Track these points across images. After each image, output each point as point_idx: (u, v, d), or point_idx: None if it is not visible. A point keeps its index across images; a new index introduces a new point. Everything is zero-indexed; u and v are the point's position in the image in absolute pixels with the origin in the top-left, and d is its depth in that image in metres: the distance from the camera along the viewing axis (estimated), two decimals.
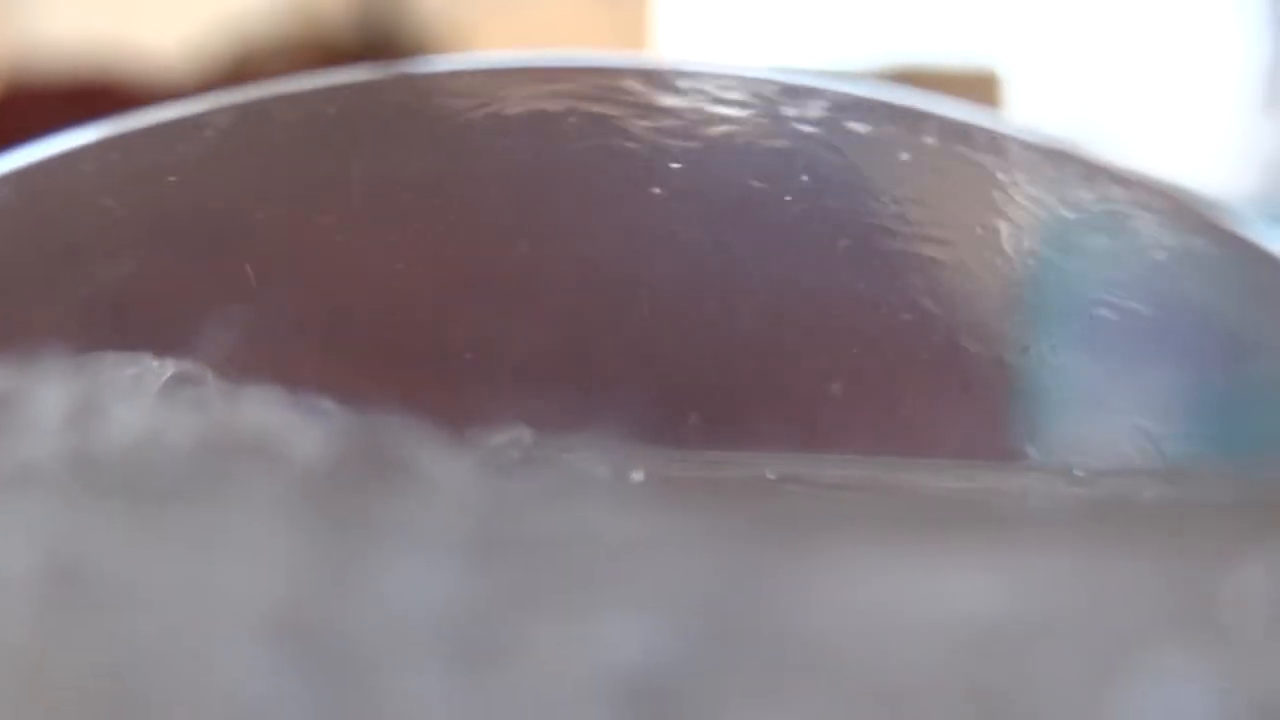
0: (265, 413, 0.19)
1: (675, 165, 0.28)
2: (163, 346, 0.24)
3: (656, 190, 0.28)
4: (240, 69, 1.55)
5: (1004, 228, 0.28)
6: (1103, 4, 1.93)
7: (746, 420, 0.28)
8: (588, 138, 0.28)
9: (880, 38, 1.95)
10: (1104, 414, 0.28)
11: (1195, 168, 1.68)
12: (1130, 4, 1.92)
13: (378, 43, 1.72)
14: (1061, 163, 0.29)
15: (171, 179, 0.28)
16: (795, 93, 0.29)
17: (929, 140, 0.29)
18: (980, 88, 1.74)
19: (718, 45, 2.01)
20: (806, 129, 0.28)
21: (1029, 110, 1.83)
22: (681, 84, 0.29)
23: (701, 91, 0.29)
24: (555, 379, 0.27)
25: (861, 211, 0.28)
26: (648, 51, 2.01)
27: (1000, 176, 0.29)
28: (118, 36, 1.66)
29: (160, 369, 0.23)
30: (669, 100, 0.29)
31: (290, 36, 1.68)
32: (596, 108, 0.28)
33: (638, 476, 0.24)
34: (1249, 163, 1.73)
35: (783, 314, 0.28)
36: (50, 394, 0.19)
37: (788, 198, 0.29)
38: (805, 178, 0.29)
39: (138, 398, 0.20)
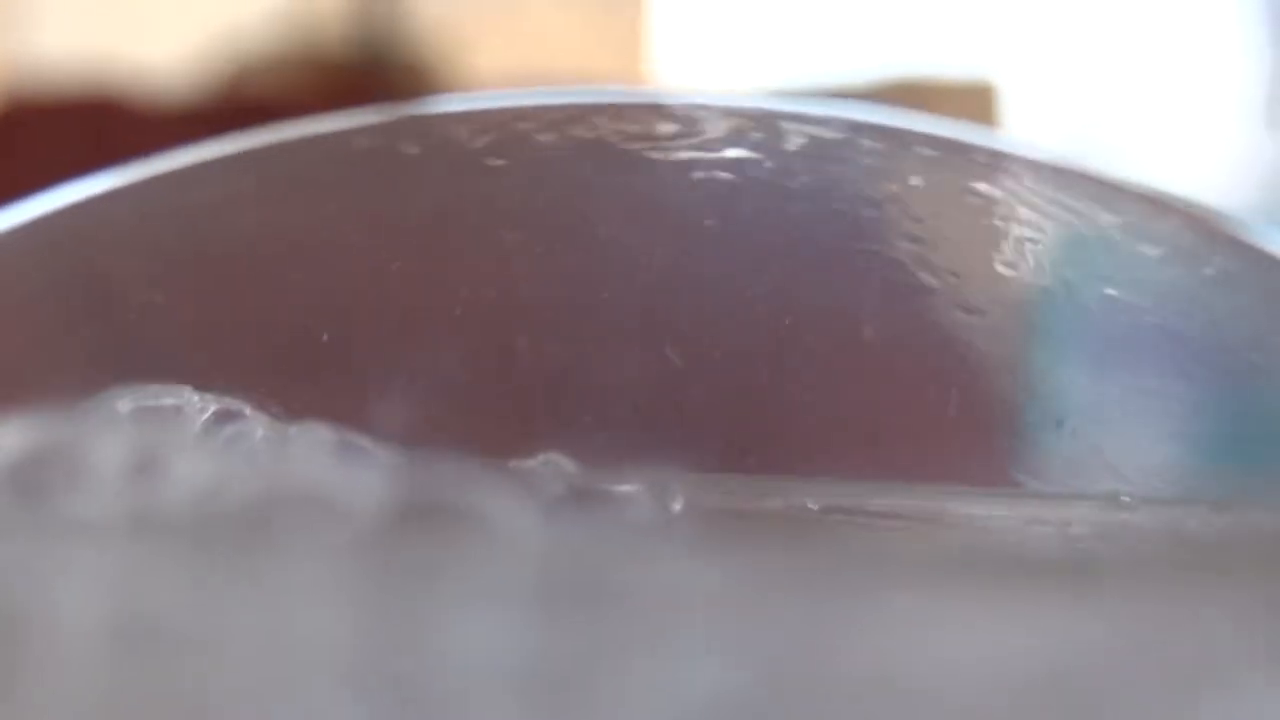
0: (317, 459, 0.19)
1: (694, 198, 0.28)
2: (201, 383, 0.24)
3: (679, 224, 0.28)
4: (238, 83, 1.55)
5: (1026, 248, 0.28)
6: (1102, 16, 1.94)
7: (780, 449, 0.28)
8: (605, 174, 0.28)
9: (878, 49, 1.95)
10: (1130, 433, 0.28)
11: (1195, 181, 1.69)
12: (1130, 16, 1.92)
13: (375, 57, 1.72)
14: (1066, 179, 0.29)
15: (196, 222, 0.28)
16: (797, 120, 0.29)
17: (932, 162, 0.29)
18: (978, 100, 1.74)
19: (713, 57, 2.01)
20: (812, 157, 0.28)
21: (1027, 123, 1.84)
22: (690, 116, 0.29)
23: (711, 124, 0.29)
24: (594, 410, 0.27)
25: (883, 239, 0.28)
26: (644, 65, 2.01)
27: (1007, 196, 0.29)
28: (116, 51, 1.66)
29: (201, 404, 0.23)
30: (678, 134, 0.28)
31: (288, 51, 1.68)
32: (613, 142, 0.28)
33: (678, 506, 0.24)
34: (1250, 176, 1.74)
35: (810, 342, 0.28)
36: (107, 442, 0.19)
37: (809, 229, 0.29)
38: (831, 208, 0.29)
39: (194, 445, 0.20)
